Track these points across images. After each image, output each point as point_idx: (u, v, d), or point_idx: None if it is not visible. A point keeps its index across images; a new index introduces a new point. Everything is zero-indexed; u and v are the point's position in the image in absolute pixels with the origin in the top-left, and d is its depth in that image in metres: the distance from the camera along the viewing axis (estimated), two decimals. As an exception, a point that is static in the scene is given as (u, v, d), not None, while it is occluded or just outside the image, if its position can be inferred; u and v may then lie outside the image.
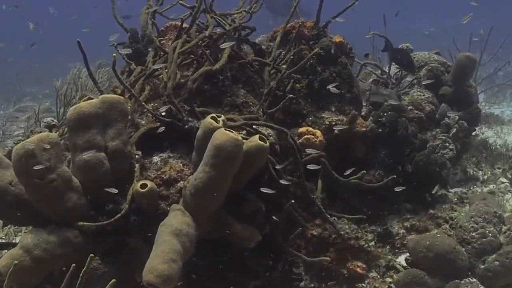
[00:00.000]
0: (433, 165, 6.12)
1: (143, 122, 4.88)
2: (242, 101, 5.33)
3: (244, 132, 4.82)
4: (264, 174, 4.67)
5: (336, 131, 5.55)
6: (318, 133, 5.37)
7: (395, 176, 5.49)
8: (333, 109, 5.86)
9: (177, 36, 5.34)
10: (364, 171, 5.40)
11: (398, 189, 5.47)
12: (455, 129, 7.02)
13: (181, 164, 4.56)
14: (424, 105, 7.30)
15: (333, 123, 5.68)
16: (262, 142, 4.19)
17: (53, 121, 6.02)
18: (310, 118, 5.72)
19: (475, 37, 12.32)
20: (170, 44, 5.35)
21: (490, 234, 4.95)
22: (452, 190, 6.76)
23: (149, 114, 4.80)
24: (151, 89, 5.10)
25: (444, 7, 39.34)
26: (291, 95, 5.31)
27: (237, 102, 5.30)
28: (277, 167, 4.68)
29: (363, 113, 6.45)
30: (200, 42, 5.21)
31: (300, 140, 5.29)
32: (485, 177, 7.76)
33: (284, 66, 5.48)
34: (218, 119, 4.19)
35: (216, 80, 5.20)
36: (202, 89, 5.13)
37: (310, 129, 5.40)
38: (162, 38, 5.93)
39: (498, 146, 9.45)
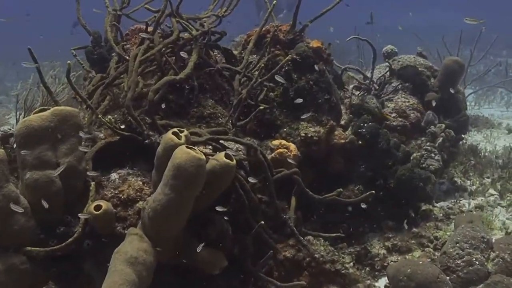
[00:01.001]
0: (417, 180, 5.90)
1: (101, 135, 4.62)
2: (210, 112, 5.09)
3: (210, 147, 4.58)
4: (231, 194, 4.42)
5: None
6: (292, 146, 5.12)
7: (373, 191, 5.22)
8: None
9: (141, 42, 5.05)
10: (341, 190, 5.15)
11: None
12: (441, 138, 6.78)
13: (140, 182, 4.32)
14: (408, 112, 7.06)
15: (309, 134, 5.42)
16: (228, 160, 3.98)
17: (10, 129, 5.72)
18: (285, 129, 5.46)
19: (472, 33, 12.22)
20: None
21: (477, 262, 4.68)
22: (438, 205, 6.53)
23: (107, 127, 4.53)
24: (110, 99, 4.83)
25: (437, 2, 39.48)
26: (261, 106, 5.05)
27: (204, 113, 5.07)
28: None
29: (342, 122, 6.22)
30: (164, 48, 4.93)
31: (272, 155, 5.05)
32: (474, 187, 7.54)
33: (257, 73, 5.22)
34: (180, 134, 3.95)
35: (181, 90, 4.94)
36: (167, 99, 4.87)
37: (284, 142, 5.16)
38: (126, 43, 5.65)
39: (487, 153, 9.25)
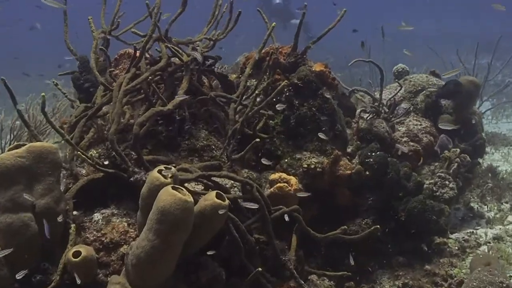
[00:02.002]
0: (430, 213, 5.58)
1: (84, 172, 4.35)
2: (203, 145, 4.83)
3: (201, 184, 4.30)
4: (224, 235, 4.13)
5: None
6: (293, 180, 4.81)
7: (378, 226, 4.88)
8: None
9: (128, 69, 4.78)
10: (345, 227, 4.80)
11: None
12: (456, 163, 6.46)
13: (125, 224, 4.06)
14: (421, 136, 6.76)
15: (312, 166, 5.13)
16: (219, 201, 3.70)
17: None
18: (286, 160, 5.17)
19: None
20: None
21: (495, 310, 4.36)
22: (453, 236, 6.20)
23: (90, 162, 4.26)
24: (95, 131, 4.56)
25: (450, 8, 39.30)
26: (258, 139, 4.71)
27: (196, 146, 4.80)
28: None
29: (349, 150, 5.91)
30: (151, 76, 4.65)
31: (271, 189, 4.74)
32: (491, 214, 7.21)
33: (252, 101, 4.92)
34: (168, 172, 3.67)
35: (171, 120, 4.67)
36: (156, 131, 4.60)
37: (284, 175, 4.84)
38: (114, 69, 5.38)
39: (505, 175, 8.90)
